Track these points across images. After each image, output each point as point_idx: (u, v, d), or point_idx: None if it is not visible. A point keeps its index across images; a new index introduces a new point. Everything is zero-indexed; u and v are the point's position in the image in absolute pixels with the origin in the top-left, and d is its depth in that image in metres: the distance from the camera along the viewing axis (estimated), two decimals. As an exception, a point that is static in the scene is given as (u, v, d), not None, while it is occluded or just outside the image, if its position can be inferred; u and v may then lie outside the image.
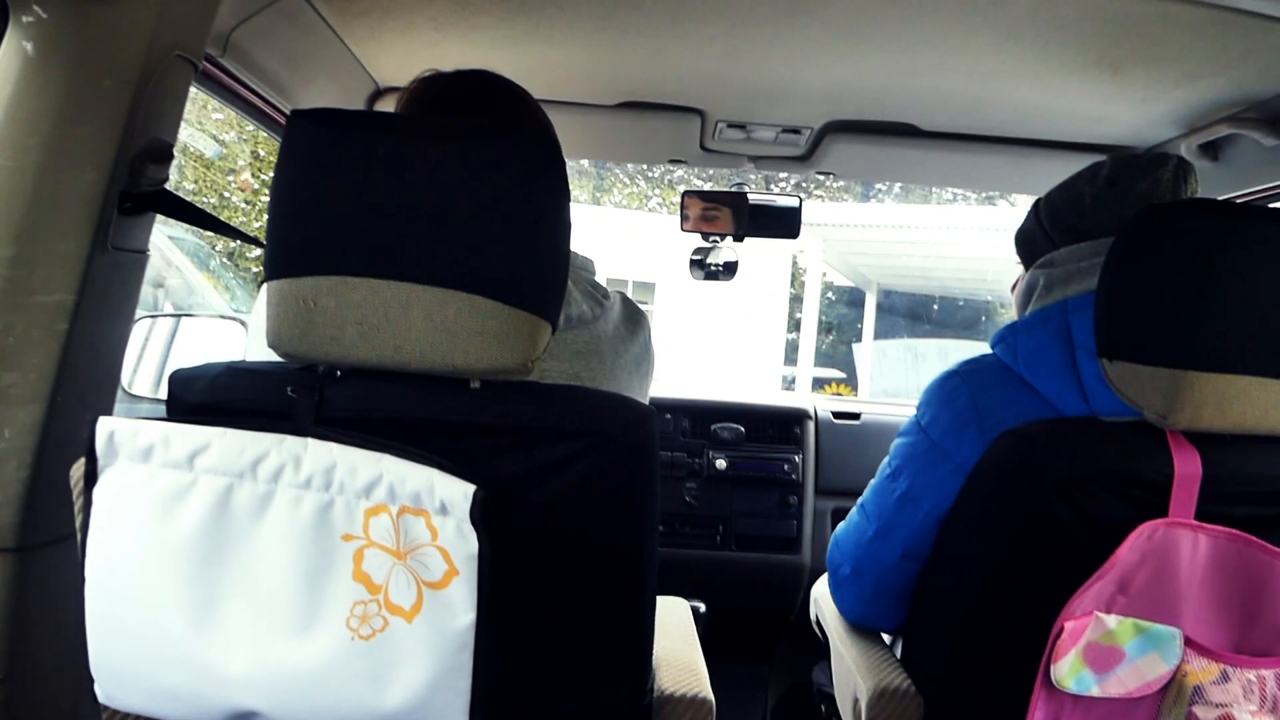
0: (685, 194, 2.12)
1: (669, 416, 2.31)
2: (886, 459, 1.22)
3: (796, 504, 2.28)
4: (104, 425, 0.83)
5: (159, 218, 1.11)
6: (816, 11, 1.27)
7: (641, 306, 1.14)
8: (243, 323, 1.96)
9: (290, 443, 0.82)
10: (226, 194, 9.62)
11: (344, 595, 0.81)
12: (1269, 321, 0.91)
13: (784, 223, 2.12)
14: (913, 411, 1.20)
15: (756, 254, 12.45)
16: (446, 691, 0.81)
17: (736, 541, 2.26)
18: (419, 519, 0.80)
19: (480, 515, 0.79)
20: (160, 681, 0.84)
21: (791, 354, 13.34)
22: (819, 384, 11.62)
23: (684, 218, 2.11)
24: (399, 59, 1.59)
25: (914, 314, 14.13)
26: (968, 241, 10.28)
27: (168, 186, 1.09)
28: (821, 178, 2.21)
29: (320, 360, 0.87)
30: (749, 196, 2.09)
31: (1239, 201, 1.63)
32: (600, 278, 1.11)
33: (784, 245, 12.99)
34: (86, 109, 0.97)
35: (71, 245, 0.98)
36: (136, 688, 0.85)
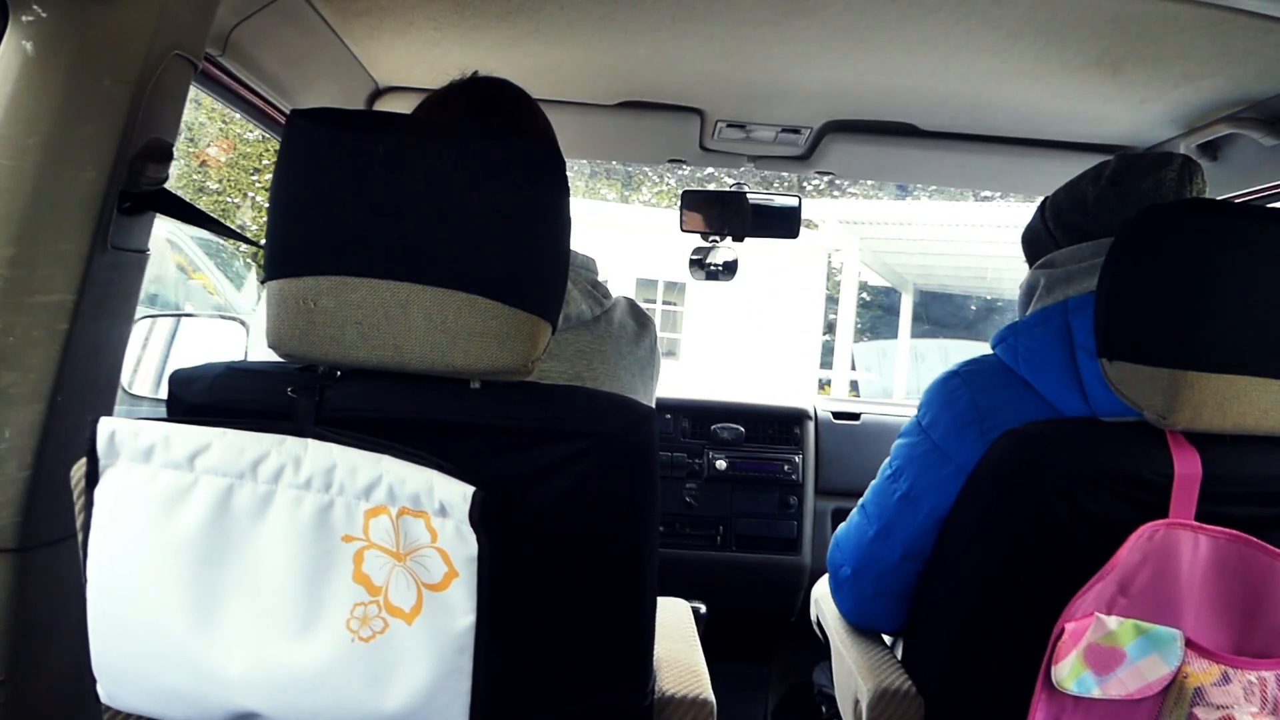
0: (685, 194, 2.12)
1: (669, 416, 2.31)
2: (887, 460, 1.22)
3: (797, 504, 2.28)
4: (105, 425, 0.83)
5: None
6: (816, 11, 1.27)
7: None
8: (243, 323, 1.96)
9: (290, 443, 0.81)
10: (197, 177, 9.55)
11: (344, 596, 0.80)
12: (1269, 322, 0.91)
13: (784, 222, 2.12)
14: (913, 412, 1.19)
15: (789, 254, 12.27)
16: (446, 693, 0.80)
17: (737, 542, 2.26)
18: (419, 520, 0.79)
19: (480, 517, 0.79)
20: (161, 682, 0.84)
21: (826, 356, 13.12)
22: (855, 388, 11.41)
23: (683, 217, 2.11)
24: (399, 59, 1.59)
25: (950, 314, 13.92)
26: (1006, 239, 10.03)
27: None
28: (820, 178, 2.21)
29: (320, 360, 0.87)
30: (749, 196, 2.09)
31: (1239, 201, 1.63)
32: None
33: (818, 244, 12.76)
34: (86, 108, 0.97)
35: (72, 245, 0.98)
36: (137, 688, 0.85)
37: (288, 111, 1.50)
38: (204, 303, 6.09)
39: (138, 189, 1.03)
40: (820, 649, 1.47)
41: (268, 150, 9.46)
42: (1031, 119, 1.70)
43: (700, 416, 2.33)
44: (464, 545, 0.79)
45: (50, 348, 0.97)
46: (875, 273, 13.40)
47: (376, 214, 0.83)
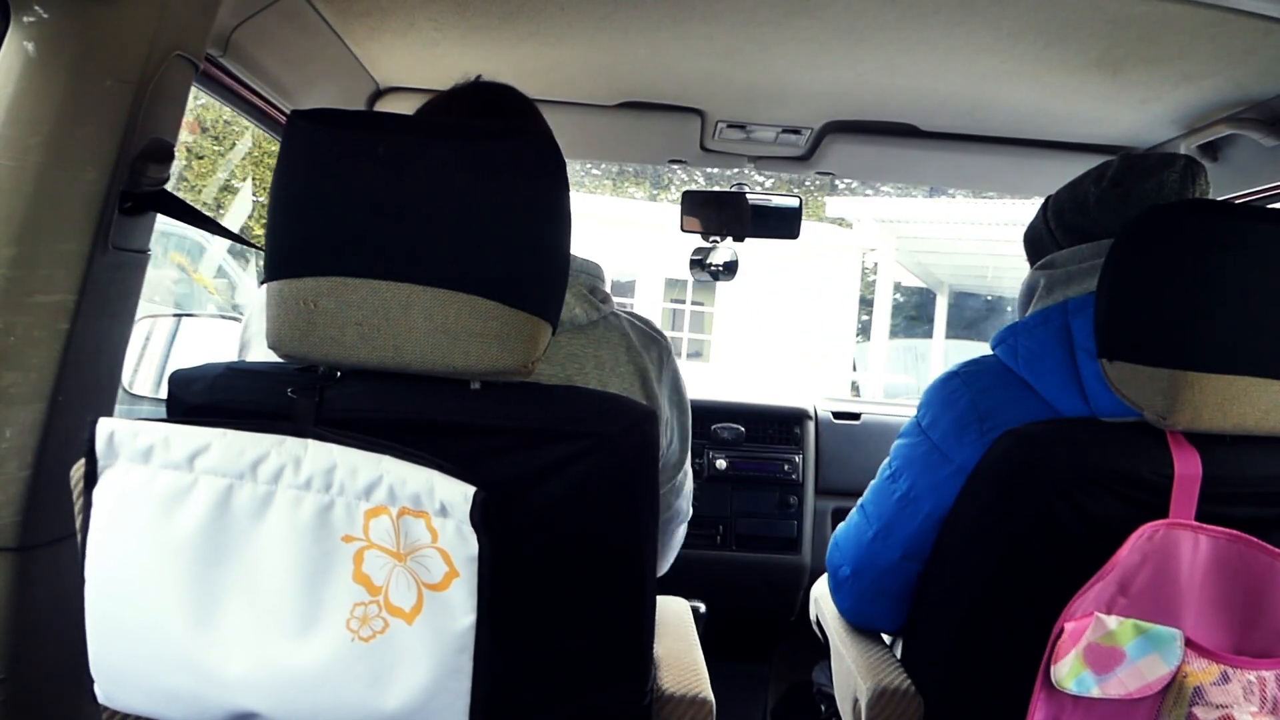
0: (685, 194, 2.12)
1: None
2: (887, 460, 1.22)
3: (796, 504, 2.28)
4: (104, 426, 0.83)
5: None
6: (816, 12, 1.27)
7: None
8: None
9: (290, 444, 0.82)
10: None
11: (344, 596, 0.81)
12: (1269, 322, 0.91)
13: (784, 223, 2.12)
14: (913, 412, 1.20)
15: (822, 252, 12.06)
16: (446, 693, 0.81)
17: (736, 541, 2.26)
18: (419, 520, 0.80)
19: (480, 517, 0.79)
20: (160, 682, 0.84)
21: (862, 356, 12.86)
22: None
23: (684, 217, 2.10)
24: (399, 59, 1.59)
25: (986, 316, 13.62)
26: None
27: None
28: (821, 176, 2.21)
29: (320, 361, 0.87)
30: (749, 197, 2.09)
31: (1239, 202, 1.63)
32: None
33: (852, 243, 12.54)
34: (87, 109, 0.97)
35: (72, 245, 0.98)
36: (136, 688, 0.85)
37: (288, 112, 1.50)
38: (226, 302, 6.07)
39: (139, 189, 1.03)
40: (820, 648, 1.47)
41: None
42: (1031, 119, 1.70)
43: (700, 416, 2.33)
44: (465, 545, 0.79)
45: (51, 347, 0.98)
46: (910, 273, 13.10)
47: (376, 215, 0.84)
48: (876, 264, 12.56)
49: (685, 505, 1.28)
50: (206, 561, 0.82)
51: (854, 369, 11.89)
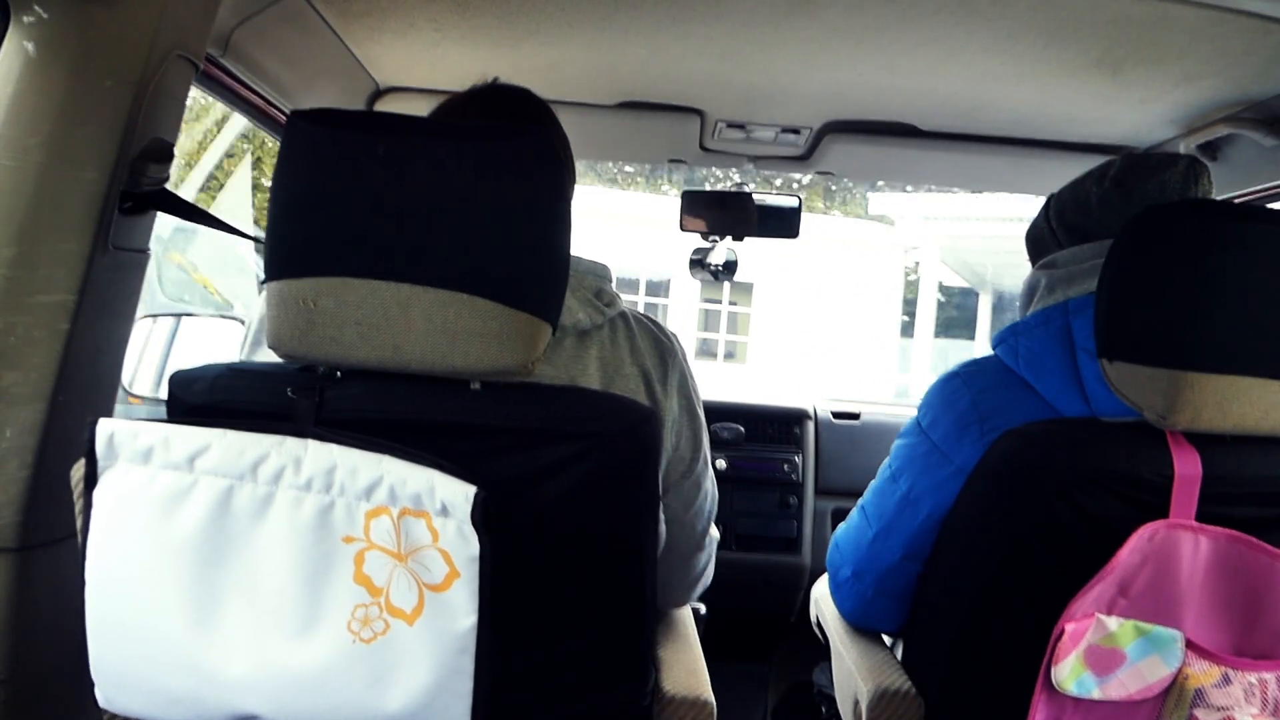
0: (685, 194, 2.12)
1: None
2: (887, 460, 1.22)
3: (796, 504, 2.28)
4: (104, 427, 0.82)
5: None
6: (816, 12, 1.27)
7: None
8: (242, 323, 1.96)
9: (290, 444, 0.81)
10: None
11: (345, 597, 0.80)
12: (1269, 322, 0.91)
13: (784, 222, 2.12)
14: (913, 412, 1.19)
15: (862, 251, 11.83)
16: (448, 694, 0.81)
17: (736, 542, 2.26)
18: (420, 520, 0.79)
19: (481, 517, 0.79)
20: (160, 684, 0.84)
21: (904, 359, 12.69)
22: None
23: (683, 217, 2.10)
24: (399, 59, 1.59)
25: None
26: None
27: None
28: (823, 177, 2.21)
29: (320, 361, 0.87)
30: (749, 196, 2.09)
31: (1239, 201, 1.63)
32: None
33: (894, 241, 12.29)
34: (87, 109, 0.97)
35: (72, 245, 0.98)
36: (137, 691, 0.85)
37: (288, 112, 1.50)
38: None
39: (139, 189, 1.03)
40: (820, 649, 1.47)
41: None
42: (1031, 120, 1.70)
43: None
44: (466, 545, 0.79)
45: (51, 347, 0.97)
46: (954, 272, 12.89)
47: (376, 215, 0.83)
48: (918, 263, 12.35)
49: (701, 525, 1.19)
50: (207, 563, 0.81)
51: (899, 370, 11.69)
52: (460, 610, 0.80)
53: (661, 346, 1.07)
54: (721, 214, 2.09)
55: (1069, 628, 0.89)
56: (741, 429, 2.30)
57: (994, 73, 1.45)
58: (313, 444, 0.81)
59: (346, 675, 0.80)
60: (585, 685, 0.94)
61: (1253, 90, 1.40)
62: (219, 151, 2.96)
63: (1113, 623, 0.89)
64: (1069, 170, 1.31)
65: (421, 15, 1.38)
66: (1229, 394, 0.90)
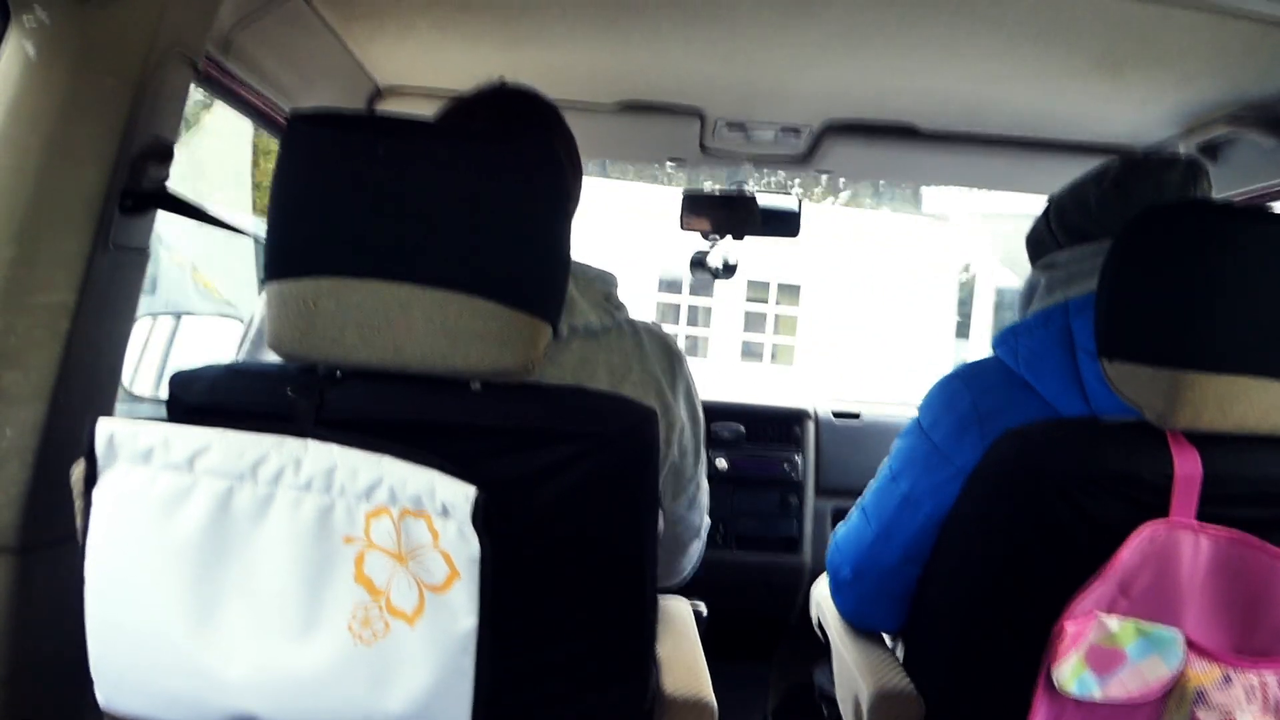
0: (685, 194, 2.12)
1: None
2: (887, 460, 1.22)
3: (797, 504, 2.28)
4: (104, 427, 0.82)
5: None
6: (816, 12, 1.27)
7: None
8: (243, 322, 1.96)
9: (290, 445, 0.81)
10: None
11: (345, 598, 0.80)
12: (1269, 322, 0.91)
13: (784, 222, 2.12)
14: (913, 412, 1.19)
15: (917, 249, 11.55)
16: (448, 695, 0.80)
17: (737, 542, 2.25)
18: (420, 521, 0.79)
19: (482, 517, 0.79)
20: (161, 685, 0.84)
21: (959, 362, 12.50)
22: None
23: (683, 217, 2.10)
24: (399, 60, 1.59)
25: None
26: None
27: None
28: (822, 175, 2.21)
29: (320, 362, 0.87)
30: (748, 196, 2.09)
31: (1239, 201, 1.63)
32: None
33: (949, 240, 12.04)
34: (87, 109, 0.97)
35: (72, 244, 0.98)
36: (137, 692, 0.85)
37: (288, 112, 1.50)
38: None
39: (139, 188, 1.03)
40: (820, 650, 1.47)
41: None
42: (1031, 120, 1.70)
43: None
44: (466, 546, 0.79)
45: (51, 347, 0.97)
46: (1010, 271, 12.60)
47: (376, 215, 0.84)
48: (972, 262, 12.13)
49: (698, 519, 1.26)
50: (207, 563, 0.81)
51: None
52: (461, 611, 0.80)
53: (671, 354, 1.08)
54: (721, 214, 2.09)
55: (1069, 628, 0.89)
56: (742, 429, 2.30)
57: (994, 73, 1.45)
58: (313, 444, 0.81)
59: (347, 676, 0.80)
60: (586, 686, 0.94)
61: (1252, 91, 1.40)
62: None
63: (1113, 623, 0.89)
64: (1069, 170, 1.31)
65: (421, 16, 1.39)
66: (1229, 394, 0.90)
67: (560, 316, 0.90)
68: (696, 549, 1.32)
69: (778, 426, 2.33)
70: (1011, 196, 10.63)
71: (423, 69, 1.63)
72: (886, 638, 1.33)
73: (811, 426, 2.35)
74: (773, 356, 12.64)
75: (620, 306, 1.06)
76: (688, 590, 1.55)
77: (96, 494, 0.83)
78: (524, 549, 0.86)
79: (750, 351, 13.04)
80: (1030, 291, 1.17)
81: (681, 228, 2.11)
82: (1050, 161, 1.84)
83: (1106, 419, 0.99)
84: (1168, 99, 1.48)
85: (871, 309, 11.82)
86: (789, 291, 12.55)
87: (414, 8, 1.35)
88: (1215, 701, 0.90)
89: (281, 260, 0.86)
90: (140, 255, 1.08)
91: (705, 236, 2.14)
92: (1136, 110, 1.56)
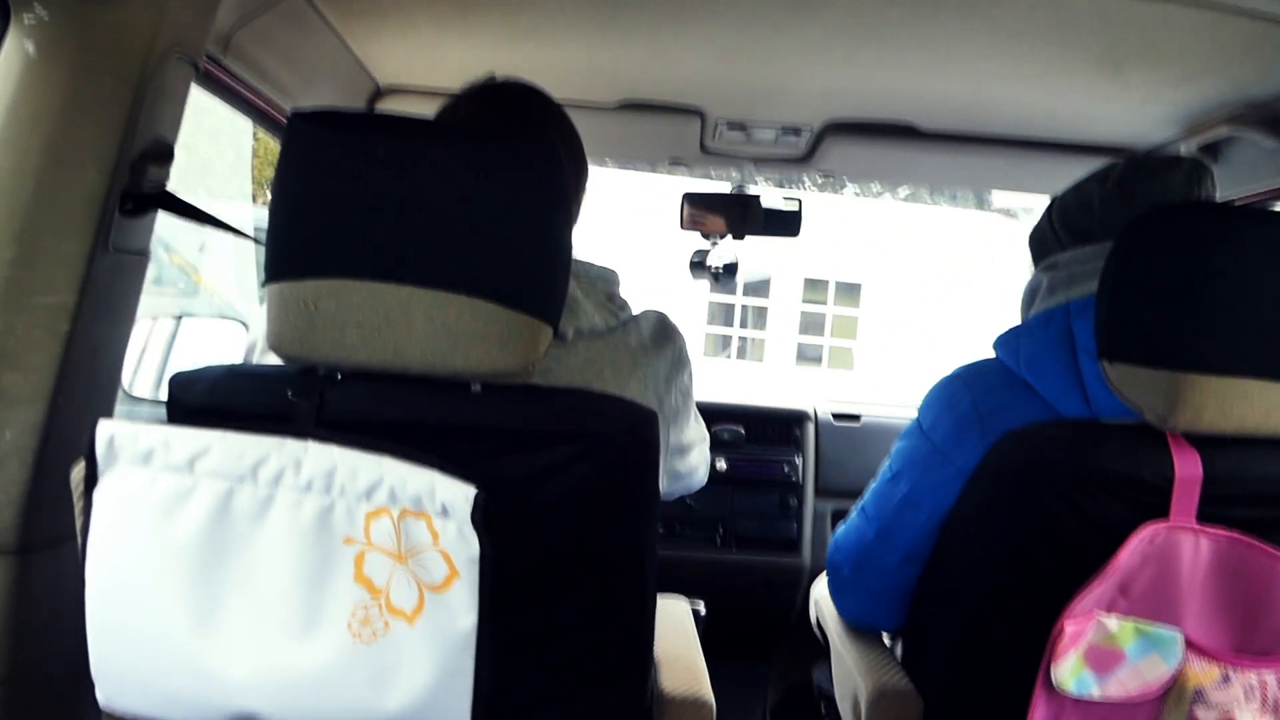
0: (685, 195, 2.12)
1: None
2: (887, 461, 1.22)
3: (796, 505, 2.28)
4: (104, 428, 0.82)
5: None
6: (816, 12, 1.27)
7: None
8: (244, 323, 1.96)
9: (291, 446, 0.81)
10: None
11: (345, 598, 0.80)
12: (1269, 323, 0.91)
13: (785, 222, 2.12)
14: (912, 414, 1.20)
15: (986, 247, 11.30)
16: (449, 694, 0.81)
17: (736, 542, 2.26)
18: (420, 521, 0.80)
19: (481, 517, 0.79)
20: (161, 686, 0.84)
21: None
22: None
23: (683, 217, 2.10)
24: (400, 59, 1.59)
25: None
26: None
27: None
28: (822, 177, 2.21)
29: (321, 363, 0.87)
30: (749, 196, 2.09)
31: (1240, 203, 1.63)
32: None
33: (1020, 237, 12.00)
34: (87, 109, 0.97)
35: (72, 246, 0.98)
36: (137, 692, 0.85)
37: (288, 112, 1.50)
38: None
39: (139, 190, 1.03)
40: (819, 649, 1.47)
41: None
42: (1031, 120, 1.70)
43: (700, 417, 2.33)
44: (466, 546, 0.79)
45: (51, 349, 0.97)
46: None
47: (377, 216, 0.83)
48: None
49: (704, 470, 1.30)
50: (207, 564, 0.81)
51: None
52: (460, 610, 0.80)
53: (670, 342, 1.08)
54: (721, 214, 2.09)
55: (1069, 627, 0.89)
56: (741, 430, 2.30)
57: (994, 73, 1.45)
58: (313, 445, 0.81)
59: (347, 675, 0.80)
60: (585, 685, 0.94)
61: (1254, 91, 1.40)
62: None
63: (1113, 622, 0.89)
64: (1069, 171, 1.31)
65: (422, 15, 1.39)
66: (1230, 395, 0.90)
67: (561, 316, 0.90)
68: (700, 476, 1.32)
69: (777, 428, 2.34)
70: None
71: (423, 68, 1.63)
72: (885, 637, 1.33)
73: (811, 428, 2.35)
74: (822, 358, 12.33)
75: (623, 305, 1.07)
76: (688, 591, 1.55)
77: (97, 495, 0.83)
78: (524, 549, 0.86)
79: (807, 355, 12.66)
80: (1032, 292, 1.17)
81: (681, 227, 2.11)
82: (1051, 162, 1.84)
83: (1107, 420, 0.99)
84: (1168, 99, 1.48)
85: (936, 309, 11.60)
86: (848, 291, 12.22)
87: (414, 6, 1.35)
88: (1214, 700, 0.90)
89: (282, 261, 0.86)
90: (140, 257, 1.08)
91: (705, 236, 2.13)
92: (1137, 110, 1.56)
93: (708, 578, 2.24)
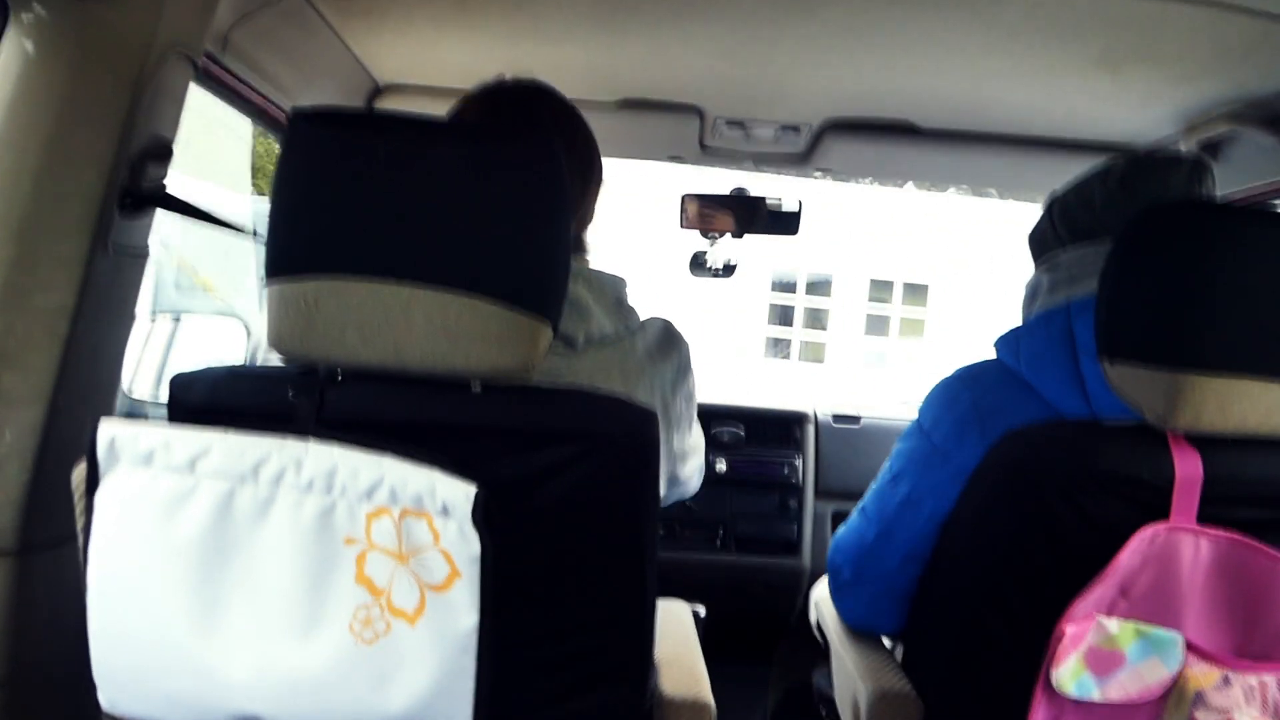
0: (685, 195, 2.12)
1: None
2: (887, 462, 1.22)
3: (796, 507, 2.28)
4: (105, 429, 0.82)
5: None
6: (816, 11, 1.27)
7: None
8: (244, 323, 1.96)
9: (291, 446, 0.81)
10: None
11: (346, 599, 0.80)
12: (1270, 323, 0.90)
13: (784, 221, 2.11)
14: (912, 415, 1.19)
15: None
16: (450, 694, 0.80)
17: (736, 544, 2.25)
18: (421, 521, 0.79)
19: (482, 517, 0.79)
20: (163, 687, 0.83)
21: None
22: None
23: (683, 216, 2.10)
24: (399, 58, 1.59)
25: None
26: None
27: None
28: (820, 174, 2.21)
29: (321, 362, 0.87)
30: (748, 195, 2.08)
31: (1239, 200, 1.63)
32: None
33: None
34: (86, 108, 0.97)
35: (72, 246, 0.97)
36: (139, 693, 0.84)
37: (288, 110, 1.50)
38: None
39: (138, 189, 1.03)
40: (820, 651, 1.47)
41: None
42: (1031, 118, 1.70)
43: (700, 418, 2.32)
44: (467, 545, 0.79)
45: (51, 349, 0.97)
46: None
47: (377, 215, 0.83)
48: None
49: (700, 477, 1.30)
50: (209, 565, 0.81)
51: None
52: (462, 610, 0.80)
53: (675, 349, 1.09)
54: (721, 213, 2.09)
55: (1069, 629, 0.89)
56: (741, 431, 2.30)
57: (994, 71, 1.45)
58: (313, 445, 0.81)
59: (349, 676, 0.80)
60: (585, 686, 0.94)
61: (1253, 88, 1.39)
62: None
63: (1113, 624, 0.89)
64: (1069, 169, 1.31)
65: (420, 13, 1.38)
66: (1230, 395, 0.90)
67: (560, 316, 0.89)
68: (695, 484, 1.31)
69: (777, 429, 2.33)
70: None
71: (422, 66, 1.62)
72: (886, 640, 1.33)
73: (811, 429, 2.35)
74: (881, 359, 11.93)
75: (632, 311, 1.07)
76: (688, 593, 1.55)
77: (98, 496, 0.83)
78: (524, 549, 0.86)
79: (871, 359, 12.24)
80: (1033, 292, 1.17)
81: (681, 226, 2.11)
82: (1050, 160, 1.84)
83: (1107, 420, 0.99)
84: (1168, 96, 1.48)
85: (1007, 311, 11.52)
86: (915, 291, 11.83)
87: (413, 4, 1.35)
88: (1214, 703, 0.90)
89: (282, 260, 0.86)
90: (140, 257, 1.08)
91: (705, 235, 2.13)
92: (1137, 108, 1.56)
93: (708, 579, 2.23)
